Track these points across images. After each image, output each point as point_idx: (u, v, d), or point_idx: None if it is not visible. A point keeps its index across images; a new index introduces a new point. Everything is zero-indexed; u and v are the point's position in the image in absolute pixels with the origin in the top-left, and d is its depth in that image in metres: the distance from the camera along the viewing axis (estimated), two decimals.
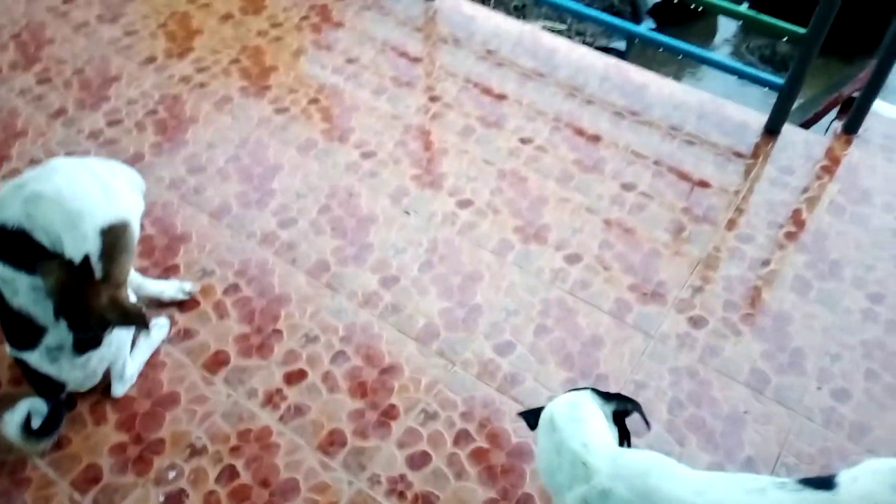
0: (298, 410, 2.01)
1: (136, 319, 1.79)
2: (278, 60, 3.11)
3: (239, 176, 2.64)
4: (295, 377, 2.09)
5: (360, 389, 2.06)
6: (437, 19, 3.30)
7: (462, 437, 1.95)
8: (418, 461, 1.91)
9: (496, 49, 3.15)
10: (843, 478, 1.28)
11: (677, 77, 4.20)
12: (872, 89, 2.69)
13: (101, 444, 1.96)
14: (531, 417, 1.61)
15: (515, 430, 1.97)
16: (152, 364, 2.10)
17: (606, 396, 1.57)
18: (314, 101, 2.93)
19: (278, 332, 2.19)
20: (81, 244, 1.68)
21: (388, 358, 2.12)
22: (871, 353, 2.15)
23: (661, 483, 1.36)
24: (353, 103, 2.91)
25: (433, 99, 2.92)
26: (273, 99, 2.93)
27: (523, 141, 2.76)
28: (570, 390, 1.62)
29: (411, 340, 2.16)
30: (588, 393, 1.56)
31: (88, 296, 1.68)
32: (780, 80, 2.70)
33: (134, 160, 2.68)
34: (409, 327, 2.19)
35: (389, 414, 2.01)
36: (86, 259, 1.68)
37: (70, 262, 1.68)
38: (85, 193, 1.73)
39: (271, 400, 2.04)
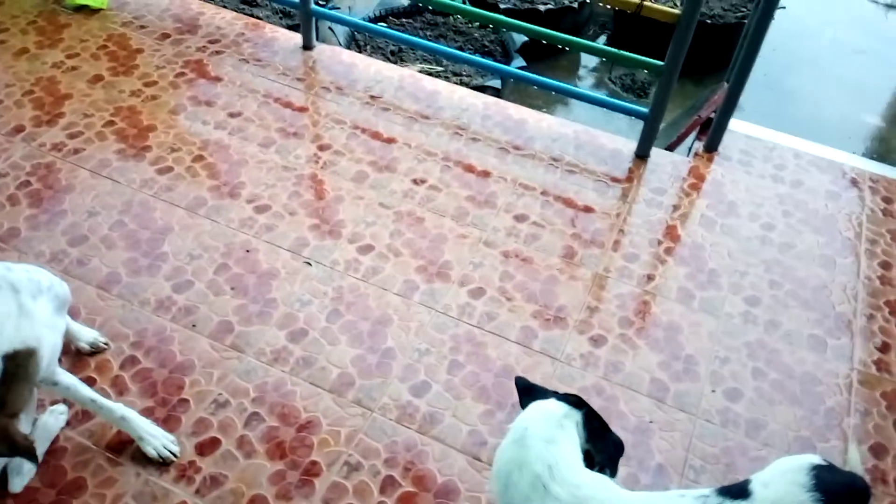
0: (215, 481, 1.94)
1: (25, 453, 1.63)
2: (156, 119, 3.02)
3: (126, 242, 2.53)
4: (208, 446, 2.01)
5: (278, 450, 2.01)
6: (317, 68, 3.34)
7: (388, 485, 1.95)
8: None
9: (380, 94, 3.22)
10: (756, 484, 1.36)
11: (550, 108, 4.44)
12: (727, 110, 2.98)
13: None
14: (525, 395, 1.61)
15: (440, 469, 1.99)
16: (52, 451, 1.96)
17: (588, 415, 1.56)
18: (199, 157, 2.87)
19: (184, 401, 2.11)
20: None
21: (305, 413, 2.09)
22: (755, 352, 2.35)
23: None
24: (241, 157, 2.87)
25: (322, 147, 2.94)
26: (154, 159, 2.85)
27: (416, 182, 2.83)
28: (559, 396, 1.60)
29: (326, 392, 2.14)
30: (568, 410, 1.54)
31: None
32: (644, 110, 2.92)
33: (9, 236, 2.51)
34: (322, 379, 2.17)
35: (311, 471, 1.97)
36: None
37: None
38: None
39: (184, 474, 1.95)
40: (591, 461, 1.54)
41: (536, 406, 1.57)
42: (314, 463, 1.99)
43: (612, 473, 1.55)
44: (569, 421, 1.53)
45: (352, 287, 2.43)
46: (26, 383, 1.63)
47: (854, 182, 2.99)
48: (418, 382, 2.18)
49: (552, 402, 1.57)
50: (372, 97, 3.20)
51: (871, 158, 4.46)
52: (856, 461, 1.88)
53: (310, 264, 2.49)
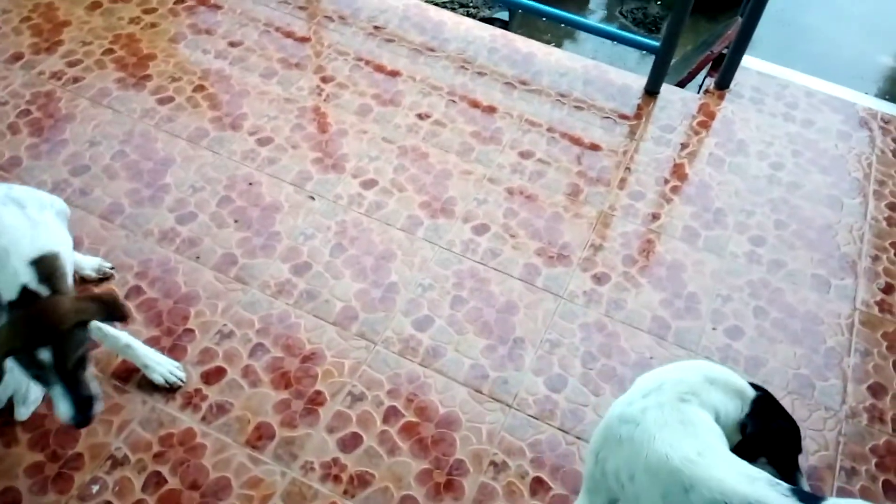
0: (221, 409, 1.98)
1: (115, 305, 1.66)
2: (156, 48, 2.95)
3: (128, 173, 2.51)
4: (213, 375, 2.04)
5: (283, 380, 2.04)
6: None
7: (391, 415, 1.99)
8: (350, 443, 1.93)
9: (384, 25, 3.13)
10: (831, 502, 1.31)
11: (559, 42, 4.33)
12: (740, 46, 2.90)
13: (15, 466, 1.85)
14: None
15: (442, 400, 2.02)
16: None
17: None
18: (200, 88, 2.81)
19: (190, 331, 2.13)
20: (13, 279, 1.57)
21: (309, 345, 2.11)
22: (757, 292, 2.35)
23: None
24: (242, 88, 2.82)
25: (325, 79, 2.88)
26: (155, 89, 2.79)
27: (421, 117, 2.78)
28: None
29: (330, 325, 2.16)
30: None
31: (48, 311, 1.55)
32: (655, 43, 2.85)
33: (11, 165, 2.49)
34: (326, 313, 2.18)
35: (316, 401, 2.01)
36: (23, 290, 1.57)
37: (7, 305, 1.57)
38: (11, 229, 1.62)
39: (191, 401, 1.99)
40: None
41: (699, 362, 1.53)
42: (318, 392, 2.02)
43: None
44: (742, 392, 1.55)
45: (355, 222, 2.42)
46: (64, 277, 1.64)
47: (865, 122, 2.94)
48: (421, 317, 2.19)
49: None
50: (376, 27, 3.12)
51: (884, 99, 4.37)
52: None
53: (313, 198, 2.47)
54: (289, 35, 3.05)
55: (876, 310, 2.33)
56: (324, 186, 2.51)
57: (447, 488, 1.87)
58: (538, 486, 1.89)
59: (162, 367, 2.01)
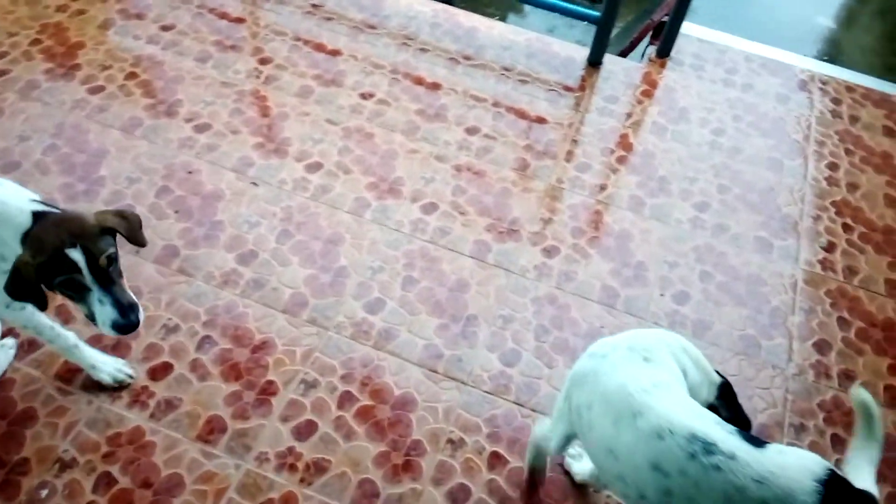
0: (169, 405, 1.93)
1: (137, 223, 1.65)
2: (84, 35, 2.83)
3: (60, 167, 2.41)
4: (160, 371, 1.99)
5: (233, 372, 2.00)
6: None
7: (346, 400, 1.97)
8: (304, 431, 1.91)
9: (322, 2, 3.06)
10: (774, 448, 1.34)
11: (504, 16, 4.30)
12: (679, 13, 2.91)
13: None
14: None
15: (397, 382, 2.01)
16: (0, 384, 1.93)
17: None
18: (132, 75, 2.71)
19: None
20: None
21: (259, 335, 2.07)
22: (702, 256, 2.39)
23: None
24: (177, 74, 2.73)
25: (263, 61, 2.80)
26: (85, 78, 2.68)
27: (364, 96, 2.73)
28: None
29: (280, 313, 2.12)
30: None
31: (72, 217, 1.53)
32: (596, 14, 2.84)
33: None
34: (275, 300, 2.15)
35: (268, 391, 1.97)
36: (34, 215, 1.53)
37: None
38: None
39: (138, 399, 1.94)
40: None
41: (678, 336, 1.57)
42: (270, 382, 1.99)
43: None
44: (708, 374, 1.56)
45: (301, 206, 2.37)
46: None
47: (804, 84, 3.00)
48: (372, 300, 2.17)
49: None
50: (314, 6, 3.05)
51: (822, 60, 4.46)
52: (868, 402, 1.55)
53: (256, 185, 2.41)
54: (223, 16, 2.96)
55: (818, 268, 2.40)
56: (267, 172, 2.45)
57: (405, 469, 1.86)
58: (496, 460, 1.90)
59: (108, 366, 1.95)
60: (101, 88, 2.66)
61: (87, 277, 1.50)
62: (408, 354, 2.07)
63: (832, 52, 4.75)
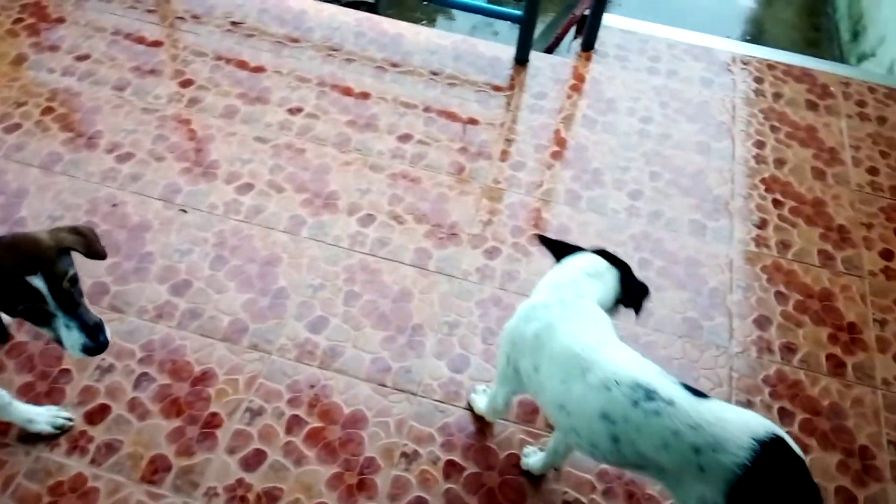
0: (110, 448, 1.85)
1: (93, 238, 1.59)
2: None
3: None
4: (97, 414, 1.91)
5: (173, 408, 1.94)
6: None
7: (294, 424, 1.92)
8: (253, 461, 1.85)
9: (241, 20, 3.00)
10: (717, 402, 1.39)
11: (432, 20, 4.29)
12: (599, 6, 2.95)
13: None
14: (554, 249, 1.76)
15: (346, 400, 1.98)
16: None
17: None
18: (48, 110, 2.61)
19: (65, 371, 1.98)
20: None
21: (198, 366, 2.01)
22: (640, 244, 2.42)
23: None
24: (95, 104, 2.64)
25: (184, 84, 2.73)
26: None
27: (292, 111, 2.68)
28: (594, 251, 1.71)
29: (219, 342, 2.06)
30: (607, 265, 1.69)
31: (27, 240, 1.47)
32: (518, 13, 2.85)
33: None
34: (213, 329, 2.09)
35: (212, 423, 1.92)
36: None
37: None
38: None
39: (77, 445, 1.86)
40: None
41: (577, 261, 1.69)
42: (214, 415, 1.93)
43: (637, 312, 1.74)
44: (610, 274, 1.69)
45: (234, 230, 2.31)
46: None
47: (726, 66, 3.06)
48: (315, 318, 2.13)
49: (590, 257, 1.70)
50: (233, 23, 2.99)
51: (746, 40, 4.58)
52: None
53: (185, 211, 2.35)
54: (140, 41, 2.87)
55: (752, 245, 2.45)
56: (195, 197, 2.39)
57: (360, 488, 1.83)
58: (451, 468, 1.88)
59: (44, 416, 1.86)
60: (16, 126, 2.55)
61: (51, 304, 1.44)
62: (355, 371, 2.04)
63: (755, 31, 4.88)
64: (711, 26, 4.38)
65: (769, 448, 1.31)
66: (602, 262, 1.70)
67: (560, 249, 1.76)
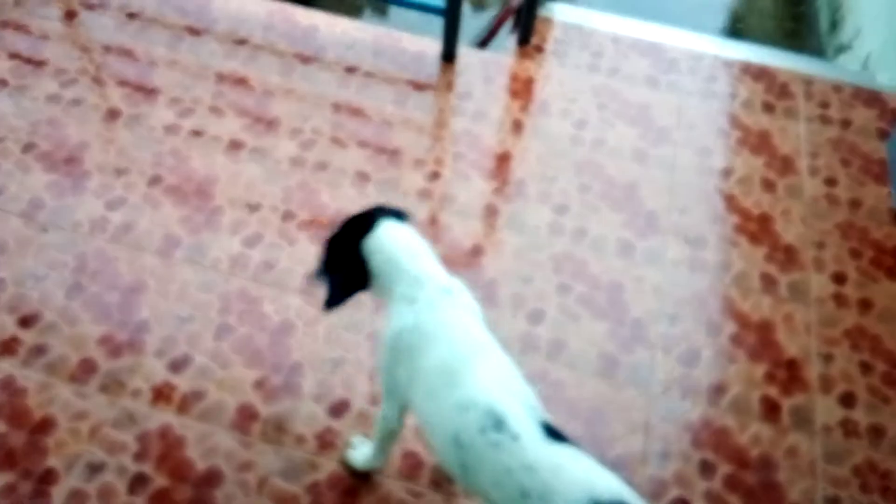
0: None
1: None
2: None
3: None
4: None
5: (7, 460, 1.69)
6: None
7: (137, 482, 1.68)
8: None
9: (139, 10, 2.73)
10: (570, 451, 1.24)
11: (360, 14, 3.98)
12: None
13: None
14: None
15: (202, 453, 1.73)
16: None
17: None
18: None
19: None
20: None
21: (38, 411, 1.77)
22: (560, 266, 2.16)
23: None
24: None
25: (64, 84, 2.46)
26: None
27: (182, 114, 2.42)
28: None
29: (64, 384, 1.81)
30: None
31: None
32: (440, 4, 2.57)
33: None
34: (60, 368, 1.84)
35: (46, 480, 1.67)
36: None
37: None
38: None
39: None
40: None
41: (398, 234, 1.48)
42: (49, 470, 1.68)
43: None
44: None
45: (97, 252, 2.06)
46: None
47: (674, 64, 2.79)
48: (178, 356, 1.88)
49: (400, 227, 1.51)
50: (130, 15, 2.71)
51: (727, 34, 4.31)
52: None
53: (46, 231, 2.09)
54: (27, 33, 2.60)
55: (685, 268, 2.19)
56: (60, 214, 2.13)
57: None
58: None
59: None
60: None
61: None
62: (216, 418, 1.79)
63: (731, 22, 4.59)
64: (690, 18, 4.09)
65: None
66: (407, 227, 1.51)
67: (353, 229, 1.48)
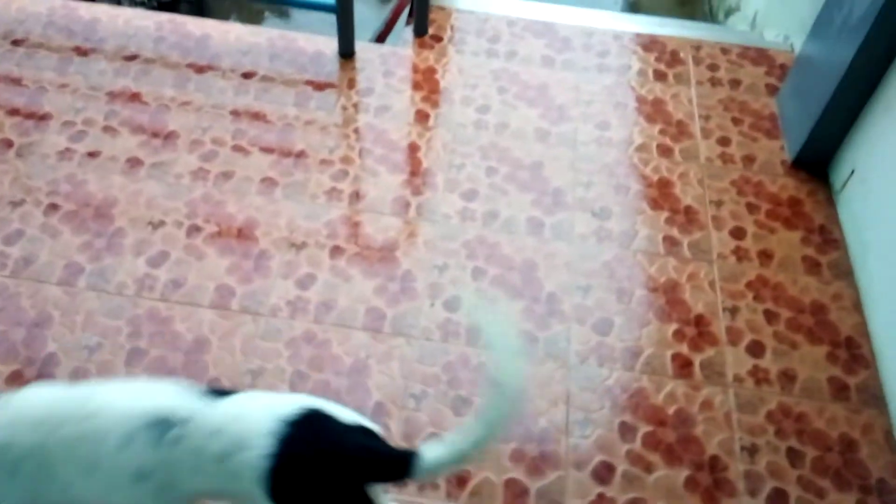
0: None
1: None
2: None
3: None
4: None
5: None
6: None
7: None
8: None
9: (24, 36, 2.63)
10: (245, 395, 1.23)
11: (259, 19, 3.91)
12: None
13: None
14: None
15: None
16: None
17: None
18: None
19: None
20: None
21: None
22: (473, 251, 2.19)
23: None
24: None
25: None
26: None
27: (75, 137, 2.35)
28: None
29: None
30: None
31: None
32: (330, 2, 2.56)
33: None
34: None
35: None
36: None
37: None
38: None
39: None
40: None
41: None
42: None
43: None
44: None
45: None
46: None
47: (567, 42, 2.84)
48: None
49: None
50: (15, 42, 2.61)
51: (621, 7, 4.39)
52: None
53: None
54: None
55: (593, 240, 2.25)
56: None
57: None
58: None
59: None
60: None
61: None
62: None
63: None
64: None
65: (299, 425, 1.15)
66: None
67: None
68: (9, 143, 2.32)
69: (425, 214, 2.27)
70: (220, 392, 1.24)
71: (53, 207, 2.17)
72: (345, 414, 1.22)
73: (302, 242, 2.17)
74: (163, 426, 1.17)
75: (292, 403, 1.19)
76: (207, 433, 1.16)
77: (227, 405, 1.20)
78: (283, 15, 3.73)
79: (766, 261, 2.25)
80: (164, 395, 1.22)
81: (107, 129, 2.38)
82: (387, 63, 2.70)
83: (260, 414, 1.17)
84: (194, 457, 1.17)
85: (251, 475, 1.14)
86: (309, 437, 1.16)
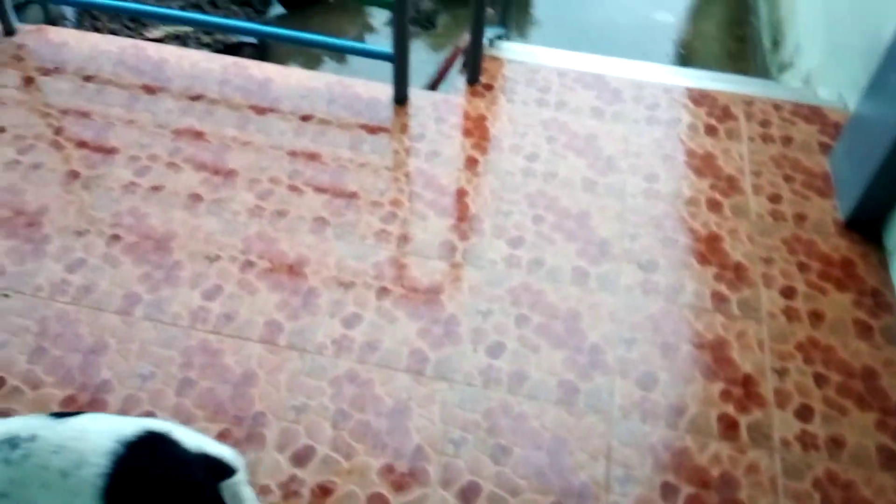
0: None
1: None
2: None
3: None
4: None
5: None
6: (23, 53, 2.84)
7: None
8: None
9: (95, 73, 2.78)
10: (90, 416, 1.29)
11: (318, 63, 4.06)
12: (477, 36, 2.76)
13: None
14: None
15: None
16: None
17: None
18: None
19: None
20: None
21: None
22: (518, 298, 2.21)
23: None
24: None
25: (23, 150, 2.50)
26: None
27: (140, 172, 2.46)
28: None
29: None
30: None
31: None
32: (388, 51, 2.65)
33: None
34: None
35: None
36: None
37: None
38: None
39: None
40: None
41: None
42: None
43: None
44: None
45: (59, 314, 2.07)
46: None
47: (617, 94, 2.88)
48: (140, 414, 1.88)
49: None
50: (86, 77, 2.76)
51: (676, 61, 4.43)
52: None
53: (8, 296, 2.11)
54: None
55: (639, 292, 2.25)
56: (20, 279, 2.15)
57: None
58: None
59: None
60: None
61: None
62: None
63: (676, 47, 4.74)
64: (636, 49, 4.22)
65: (136, 447, 1.22)
66: None
67: None
68: (76, 175, 2.44)
69: (471, 259, 2.30)
70: (67, 414, 1.32)
71: (115, 238, 2.27)
72: (191, 439, 1.29)
73: (350, 282, 2.21)
74: (10, 444, 1.24)
75: (135, 426, 1.26)
76: (51, 450, 1.23)
77: (71, 424, 1.27)
78: (342, 60, 3.86)
79: (817, 322, 2.21)
80: (16, 421, 1.29)
81: (170, 164, 2.49)
82: (439, 110, 2.77)
83: (101, 434, 1.25)
84: (42, 471, 1.23)
85: (90, 492, 1.21)
86: (143, 460, 1.24)
